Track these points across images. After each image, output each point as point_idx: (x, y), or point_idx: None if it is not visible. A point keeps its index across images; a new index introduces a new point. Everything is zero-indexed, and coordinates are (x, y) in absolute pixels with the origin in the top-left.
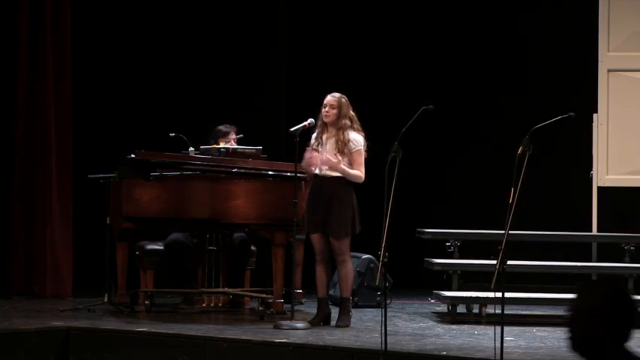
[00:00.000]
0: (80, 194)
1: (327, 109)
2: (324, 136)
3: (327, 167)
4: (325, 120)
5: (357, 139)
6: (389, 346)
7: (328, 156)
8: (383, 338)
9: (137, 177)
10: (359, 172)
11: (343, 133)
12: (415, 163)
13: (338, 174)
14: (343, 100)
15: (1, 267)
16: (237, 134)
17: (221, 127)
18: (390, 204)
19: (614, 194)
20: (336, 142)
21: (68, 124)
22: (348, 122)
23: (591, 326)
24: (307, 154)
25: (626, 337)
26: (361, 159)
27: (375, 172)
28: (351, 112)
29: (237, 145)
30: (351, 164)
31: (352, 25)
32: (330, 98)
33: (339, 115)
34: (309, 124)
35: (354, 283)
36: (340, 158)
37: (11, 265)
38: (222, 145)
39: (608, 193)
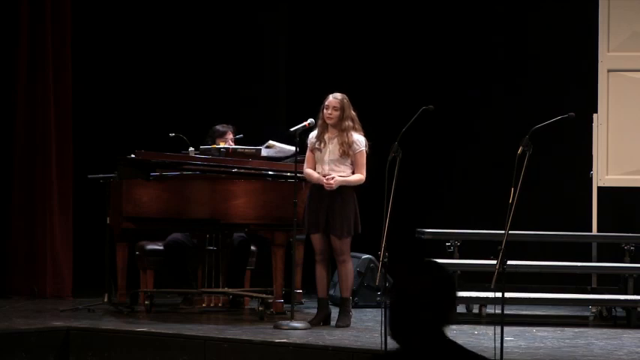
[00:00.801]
0: (80, 194)
1: (329, 110)
2: (326, 137)
3: (330, 172)
4: (328, 122)
5: (359, 140)
6: (389, 346)
7: (337, 178)
8: (383, 338)
9: (137, 177)
10: (360, 176)
11: (347, 135)
12: (415, 164)
13: (340, 175)
14: (345, 101)
15: (1, 267)
16: (234, 134)
17: (218, 127)
18: (390, 204)
19: (614, 194)
20: (341, 144)
21: (68, 124)
22: (350, 123)
23: (412, 310)
24: (326, 181)
25: (447, 320)
26: (363, 160)
27: (375, 173)
28: (352, 112)
29: (235, 144)
30: (353, 165)
31: (352, 25)
32: (333, 100)
33: (342, 117)
34: (309, 124)
35: (354, 283)
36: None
37: (11, 265)
38: (220, 144)
39: (608, 193)
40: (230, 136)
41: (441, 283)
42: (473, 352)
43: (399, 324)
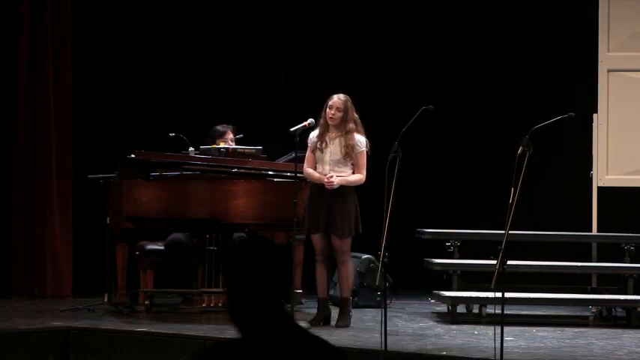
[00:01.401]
0: (80, 194)
1: (333, 111)
2: (328, 137)
3: (330, 171)
4: (330, 122)
5: (360, 140)
6: (389, 346)
7: (337, 179)
8: (383, 338)
9: (137, 177)
10: (360, 176)
11: (350, 138)
12: (415, 164)
13: (341, 175)
14: (349, 103)
15: (1, 267)
16: (235, 134)
17: (218, 127)
18: (390, 204)
19: (614, 194)
20: (344, 146)
21: (68, 124)
22: (353, 126)
23: (248, 291)
24: (327, 180)
25: (283, 300)
26: (363, 160)
27: (375, 173)
28: (355, 114)
29: (236, 144)
30: (353, 165)
31: (352, 26)
32: (337, 100)
33: (345, 119)
34: (309, 124)
35: (354, 283)
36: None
37: (11, 265)
38: (220, 145)
39: (608, 193)
40: (230, 136)
41: (275, 259)
42: (316, 336)
43: (241, 309)
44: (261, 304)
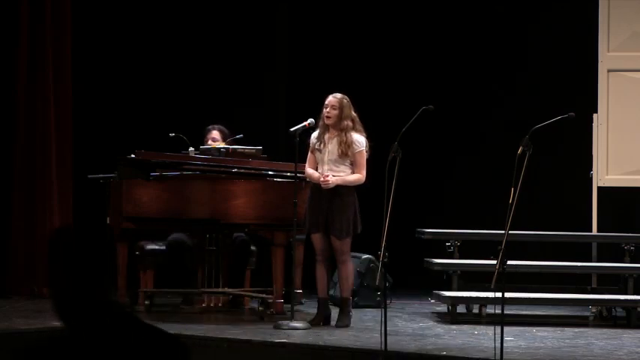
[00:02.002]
0: (80, 194)
1: (328, 109)
2: (326, 137)
3: (329, 170)
4: (327, 122)
5: (359, 140)
6: (389, 346)
7: (333, 179)
8: (383, 338)
9: (137, 177)
10: (359, 176)
11: (346, 135)
12: (415, 164)
13: (339, 175)
14: (345, 100)
15: (1, 267)
16: (227, 135)
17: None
18: (390, 204)
19: (614, 194)
20: (339, 143)
21: (68, 124)
22: (350, 123)
23: (67, 285)
24: (322, 179)
25: (107, 290)
26: (363, 160)
27: (375, 173)
28: (353, 112)
29: (234, 144)
30: (352, 165)
31: (352, 26)
32: (332, 99)
33: (341, 117)
34: (309, 124)
35: (354, 283)
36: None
37: (11, 265)
38: (220, 145)
39: (608, 193)
40: (211, 135)
41: (80, 249)
42: (152, 326)
43: (66, 303)
44: (81, 297)
